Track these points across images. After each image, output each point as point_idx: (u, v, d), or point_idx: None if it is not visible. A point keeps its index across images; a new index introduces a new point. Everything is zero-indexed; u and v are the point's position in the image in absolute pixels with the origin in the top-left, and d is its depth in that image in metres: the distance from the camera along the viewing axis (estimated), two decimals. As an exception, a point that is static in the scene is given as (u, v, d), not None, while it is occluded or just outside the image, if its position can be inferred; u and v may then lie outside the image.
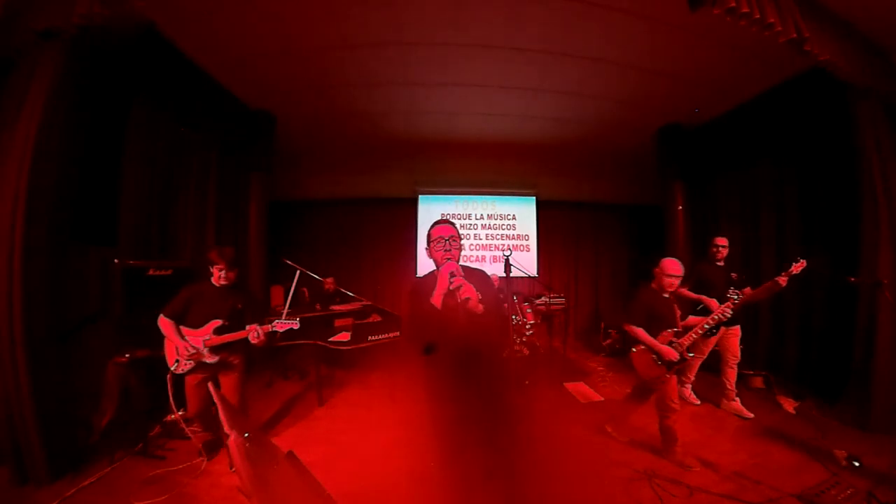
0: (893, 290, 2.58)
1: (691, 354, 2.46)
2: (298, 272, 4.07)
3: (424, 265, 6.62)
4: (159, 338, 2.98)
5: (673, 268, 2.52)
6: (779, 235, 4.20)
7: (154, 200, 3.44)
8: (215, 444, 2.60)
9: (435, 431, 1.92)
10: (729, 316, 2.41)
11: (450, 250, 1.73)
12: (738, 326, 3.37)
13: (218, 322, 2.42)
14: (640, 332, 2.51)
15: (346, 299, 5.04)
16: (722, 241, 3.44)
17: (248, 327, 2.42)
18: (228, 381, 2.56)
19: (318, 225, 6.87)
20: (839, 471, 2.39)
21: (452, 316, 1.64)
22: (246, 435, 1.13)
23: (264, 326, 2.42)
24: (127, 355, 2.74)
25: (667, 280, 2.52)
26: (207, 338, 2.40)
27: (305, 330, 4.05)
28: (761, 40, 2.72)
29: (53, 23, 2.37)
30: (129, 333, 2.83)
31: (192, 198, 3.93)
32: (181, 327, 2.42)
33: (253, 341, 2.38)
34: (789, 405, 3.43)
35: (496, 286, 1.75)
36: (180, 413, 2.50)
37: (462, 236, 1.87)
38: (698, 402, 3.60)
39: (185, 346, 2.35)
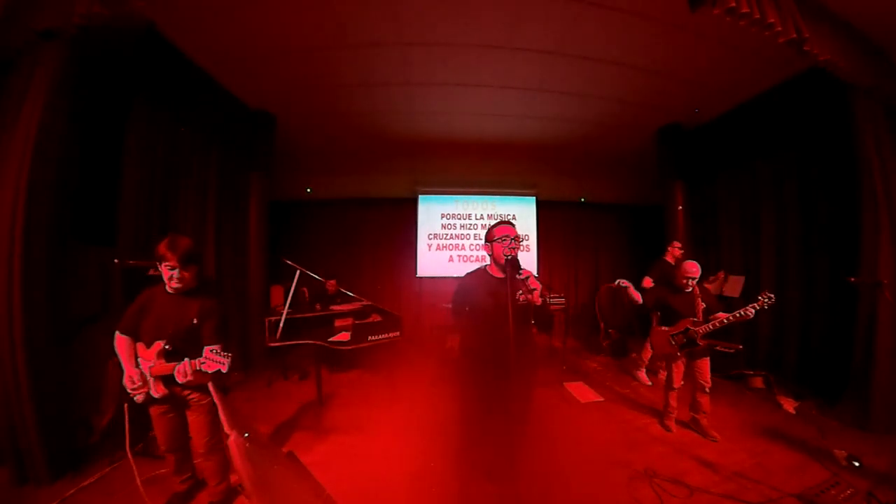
0: (893, 290, 2.58)
1: (705, 341, 2.80)
2: (298, 272, 4.07)
3: (424, 265, 6.64)
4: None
5: (691, 270, 2.88)
6: (779, 235, 4.20)
7: (154, 200, 3.44)
8: (186, 497, 2.18)
9: (460, 415, 2.13)
10: (751, 316, 2.52)
11: (515, 248, 1.96)
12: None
13: (160, 344, 1.81)
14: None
15: (346, 299, 5.04)
16: (678, 245, 4.43)
17: (182, 363, 1.73)
18: (193, 418, 1.97)
19: (318, 225, 6.87)
20: (839, 471, 2.39)
21: (504, 308, 1.79)
22: (246, 435, 1.13)
23: (194, 362, 1.72)
24: (127, 355, 2.72)
25: (683, 280, 2.90)
26: (152, 364, 1.82)
27: (305, 330, 4.07)
28: (761, 40, 2.72)
29: (53, 23, 2.37)
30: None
31: (192, 198, 3.92)
32: (139, 345, 1.89)
33: (179, 380, 1.74)
34: (789, 405, 3.43)
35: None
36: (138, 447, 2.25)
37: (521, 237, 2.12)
38: (650, 383, 4.12)
39: (132, 375, 1.82)
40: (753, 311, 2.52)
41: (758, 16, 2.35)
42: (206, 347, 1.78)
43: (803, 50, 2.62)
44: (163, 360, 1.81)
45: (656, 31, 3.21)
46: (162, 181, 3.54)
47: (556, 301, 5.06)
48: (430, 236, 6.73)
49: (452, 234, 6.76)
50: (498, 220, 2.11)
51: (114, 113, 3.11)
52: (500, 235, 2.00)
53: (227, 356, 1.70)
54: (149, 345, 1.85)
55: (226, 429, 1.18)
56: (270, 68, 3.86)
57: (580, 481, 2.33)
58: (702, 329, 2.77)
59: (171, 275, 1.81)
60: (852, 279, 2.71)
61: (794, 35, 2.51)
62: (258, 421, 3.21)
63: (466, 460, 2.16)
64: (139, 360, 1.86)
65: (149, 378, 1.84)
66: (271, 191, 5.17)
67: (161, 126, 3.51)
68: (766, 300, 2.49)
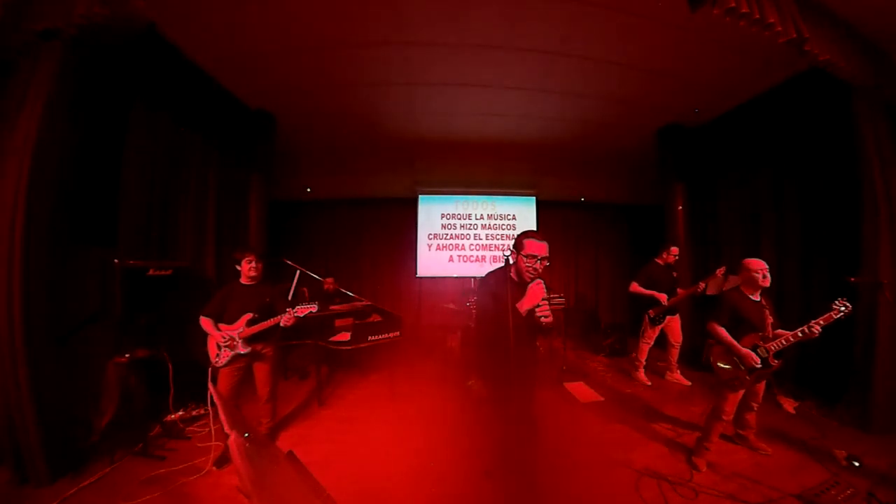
0: (893, 290, 2.58)
1: (777, 361, 2.35)
2: (298, 272, 4.08)
3: (424, 265, 6.63)
4: (161, 337, 2.99)
5: (759, 265, 2.43)
6: (779, 235, 4.20)
7: (154, 200, 3.44)
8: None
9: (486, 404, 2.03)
10: (817, 333, 2.23)
11: (539, 270, 1.81)
12: (677, 315, 4.18)
13: (249, 315, 2.65)
14: (723, 332, 2.45)
15: (346, 299, 5.03)
16: (675, 250, 4.20)
17: (286, 313, 2.66)
18: (261, 370, 2.78)
19: (318, 225, 6.88)
20: (839, 471, 2.39)
21: (525, 323, 1.76)
22: (246, 435, 1.13)
23: (293, 311, 2.66)
24: (127, 355, 2.74)
25: (756, 276, 2.43)
26: (241, 330, 2.62)
27: (305, 330, 4.07)
28: (761, 40, 2.71)
29: (53, 23, 2.37)
30: (129, 333, 2.83)
31: (192, 198, 3.92)
32: (220, 325, 2.66)
33: (285, 325, 2.65)
34: (789, 405, 3.43)
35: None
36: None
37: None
38: (649, 383, 4.14)
39: (220, 335, 2.60)
40: (818, 328, 2.23)
41: (758, 16, 2.35)
42: (296, 307, 2.67)
43: (803, 50, 2.62)
44: (248, 327, 2.63)
45: (656, 31, 3.21)
46: (162, 181, 3.53)
47: (556, 301, 5.05)
48: (430, 236, 6.73)
49: (452, 235, 6.76)
50: (530, 231, 1.91)
51: (114, 113, 3.11)
52: (528, 251, 1.80)
53: (315, 303, 2.72)
54: (233, 321, 2.65)
55: (226, 429, 1.19)
56: (270, 68, 3.86)
57: (580, 481, 2.34)
58: (773, 346, 2.35)
59: (249, 266, 2.73)
60: (852, 279, 2.70)
61: (794, 35, 2.51)
62: (258, 421, 3.21)
63: (466, 460, 2.17)
64: (222, 330, 2.64)
65: (238, 340, 2.61)
66: (271, 191, 5.17)
67: (161, 126, 3.51)
68: (842, 309, 2.20)
